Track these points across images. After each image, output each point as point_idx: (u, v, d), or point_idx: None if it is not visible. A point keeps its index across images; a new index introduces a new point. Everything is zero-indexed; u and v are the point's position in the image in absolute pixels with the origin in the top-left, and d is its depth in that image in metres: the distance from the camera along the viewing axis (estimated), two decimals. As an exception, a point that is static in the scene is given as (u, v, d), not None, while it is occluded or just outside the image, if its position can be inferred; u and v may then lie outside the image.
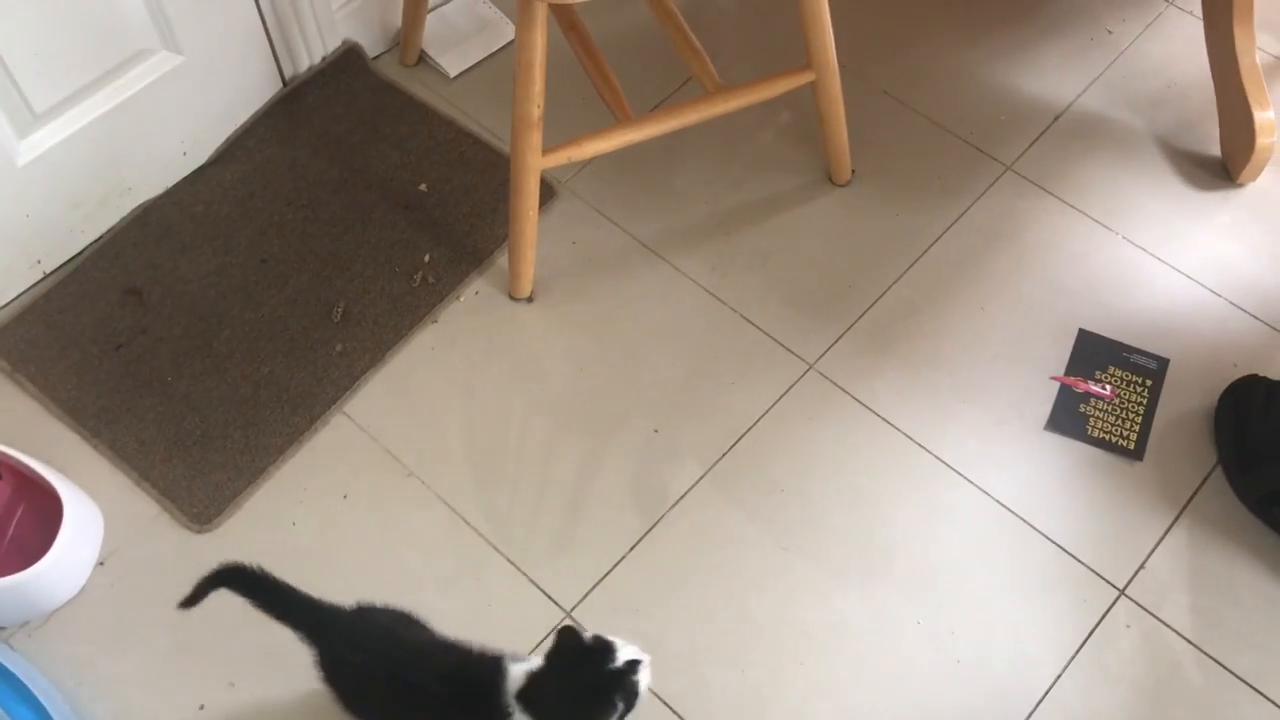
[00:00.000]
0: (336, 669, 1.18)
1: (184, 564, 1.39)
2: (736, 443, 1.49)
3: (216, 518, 1.42)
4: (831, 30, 1.46)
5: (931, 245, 1.65)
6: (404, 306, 1.58)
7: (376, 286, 1.59)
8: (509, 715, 1.09)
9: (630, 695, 1.08)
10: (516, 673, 1.11)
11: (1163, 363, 1.56)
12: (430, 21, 1.81)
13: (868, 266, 1.63)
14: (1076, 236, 1.67)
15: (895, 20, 1.90)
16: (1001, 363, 1.56)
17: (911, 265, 1.63)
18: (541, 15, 1.26)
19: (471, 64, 1.81)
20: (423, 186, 1.68)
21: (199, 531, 1.41)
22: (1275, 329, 1.59)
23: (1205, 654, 1.35)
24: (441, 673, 1.12)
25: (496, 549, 1.41)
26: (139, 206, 1.64)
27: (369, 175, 1.69)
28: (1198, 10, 1.88)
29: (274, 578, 1.15)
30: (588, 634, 1.10)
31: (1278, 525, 1.41)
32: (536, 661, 1.11)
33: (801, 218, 1.68)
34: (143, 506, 1.43)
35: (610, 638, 1.10)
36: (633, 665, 1.08)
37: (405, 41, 1.79)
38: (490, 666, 1.12)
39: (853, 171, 1.71)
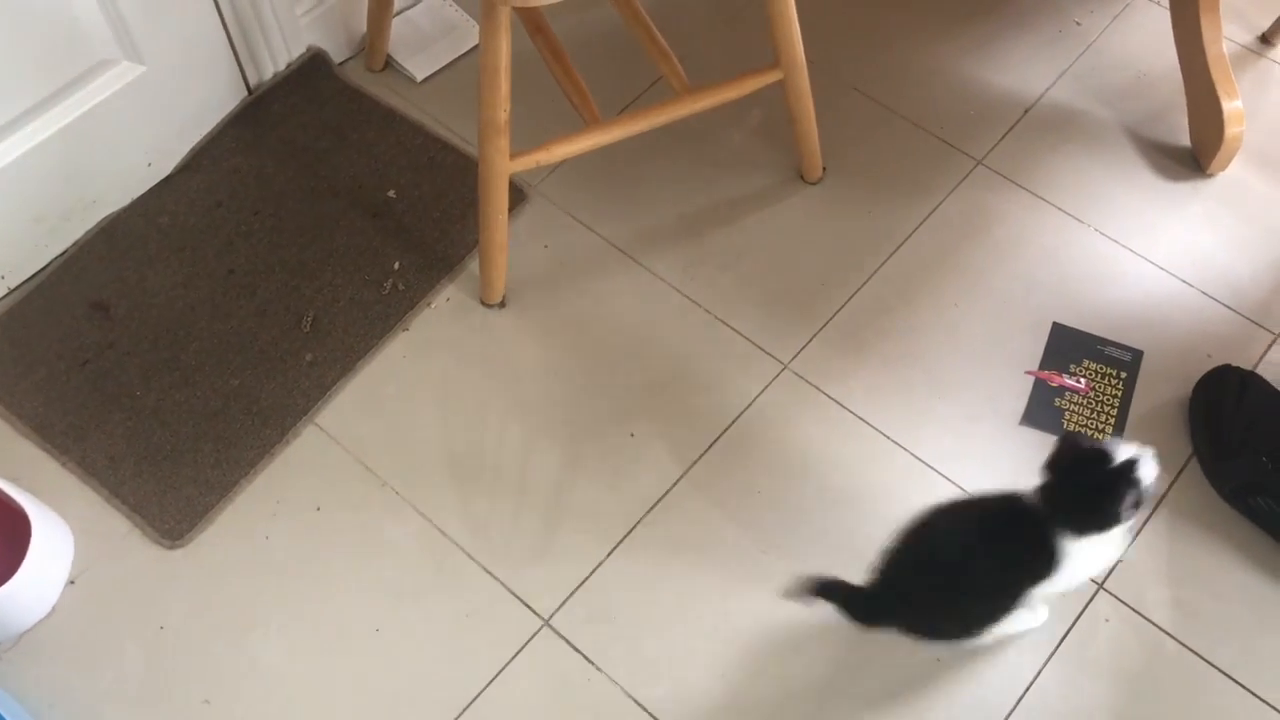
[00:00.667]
0: (895, 602, 1.25)
1: (156, 581, 1.38)
2: (713, 445, 1.48)
3: (188, 533, 1.40)
4: (799, 28, 1.45)
5: (904, 242, 1.65)
6: (374, 315, 1.56)
7: (346, 295, 1.58)
8: (1058, 533, 1.15)
9: (1139, 488, 1.11)
10: (1029, 495, 1.18)
11: (1136, 355, 1.56)
12: (396, 26, 1.79)
13: (840, 264, 1.63)
14: (1048, 230, 1.66)
15: (864, 16, 1.89)
16: (976, 358, 1.55)
17: (884, 262, 1.63)
18: (505, 19, 1.25)
19: (438, 68, 1.80)
20: (391, 193, 1.67)
21: (171, 547, 1.40)
22: (1248, 319, 1.59)
23: (1185, 646, 1.35)
24: (985, 526, 1.21)
25: (473, 558, 1.40)
26: (104, 219, 1.62)
27: (337, 182, 1.67)
28: (1165, 1, 1.88)
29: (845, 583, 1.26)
30: (1084, 442, 1.16)
31: (1254, 515, 1.41)
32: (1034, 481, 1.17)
33: (773, 217, 1.67)
34: (113, 523, 1.41)
35: (1107, 442, 1.14)
36: (1133, 462, 1.11)
37: (371, 46, 1.77)
38: (1008, 499, 1.19)
39: (824, 169, 1.70)
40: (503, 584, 1.38)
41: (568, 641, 1.35)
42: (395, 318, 1.56)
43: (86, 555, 1.39)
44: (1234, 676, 1.33)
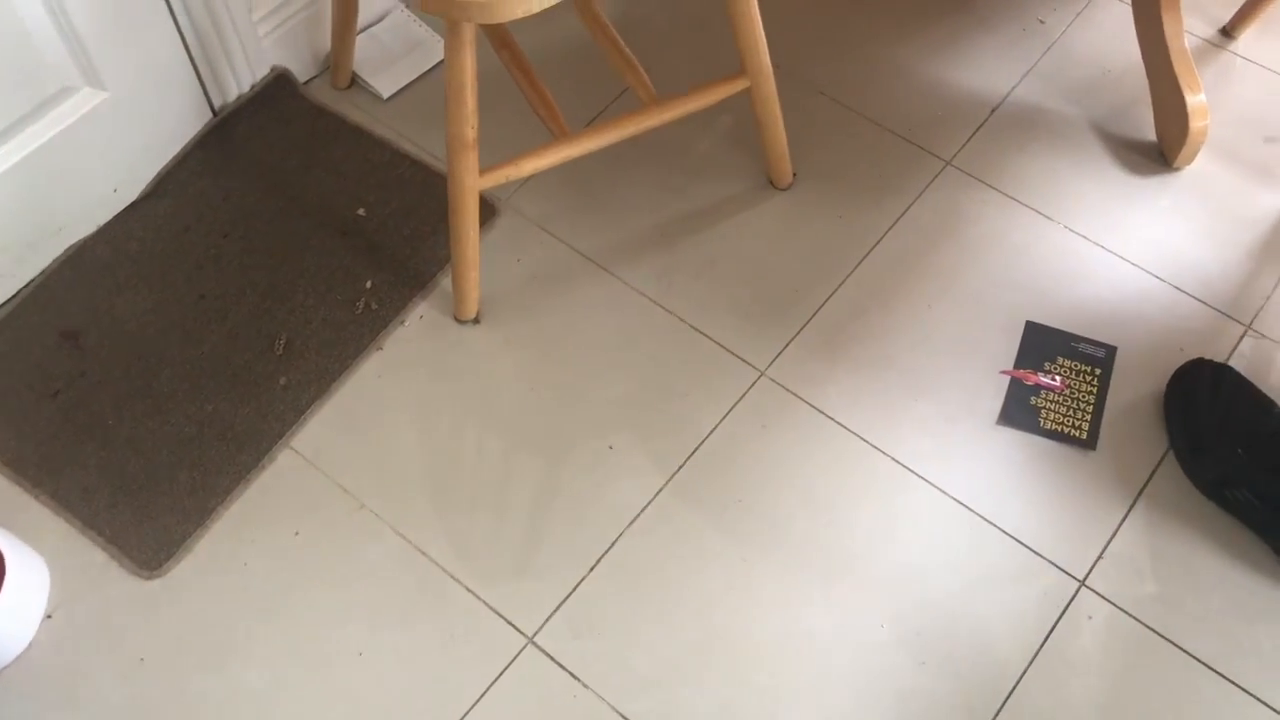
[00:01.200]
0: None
1: (135, 612, 1.37)
2: (692, 455, 1.48)
3: (166, 563, 1.39)
4: (764, 34, 1.46)
5: (876, 245, 1.65)
6: (348, 335, 1.55)
7: (318, 316, 1.56)
8: None
9: None
10: None
11: (1110, 351, 1.57)
12: (360, 43, 1.79)
13: (814, 269, 1.63)
14: (1019, 228, 1.67)
15: (828, 20, 1.90)
16: (951, 359, 1.56)
17: (857, 266, 1.63)
18: (470, 36, 1.24)
19: (405, 84, 1.79)
20: (361, 211, 1.66)
21: (149, 578, 1.38)
22: (1219, 311, 1.60)
23: (1167, 640, 1.36)
24: None
25: (454, 578, 1.39)
26: (71, 247, 1.61)
27: (305, 202, 1.66)
28: (1126, -3, 1.90)
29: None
30: None
31: (1231, 508, 1.42)
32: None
33: (745, 224, 1.67)
34: (90, 556, 1.40)
35: None
36: None
37: (335, 64, 1.76)
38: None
39: (794, 175, 1.70)
40: (485, 603, 1.37)
41: (552, 659, 1.34)
42: (369, 337, 1.55)
43: (63, 589, 1.38)
44: (1217, 669, 1.34)
